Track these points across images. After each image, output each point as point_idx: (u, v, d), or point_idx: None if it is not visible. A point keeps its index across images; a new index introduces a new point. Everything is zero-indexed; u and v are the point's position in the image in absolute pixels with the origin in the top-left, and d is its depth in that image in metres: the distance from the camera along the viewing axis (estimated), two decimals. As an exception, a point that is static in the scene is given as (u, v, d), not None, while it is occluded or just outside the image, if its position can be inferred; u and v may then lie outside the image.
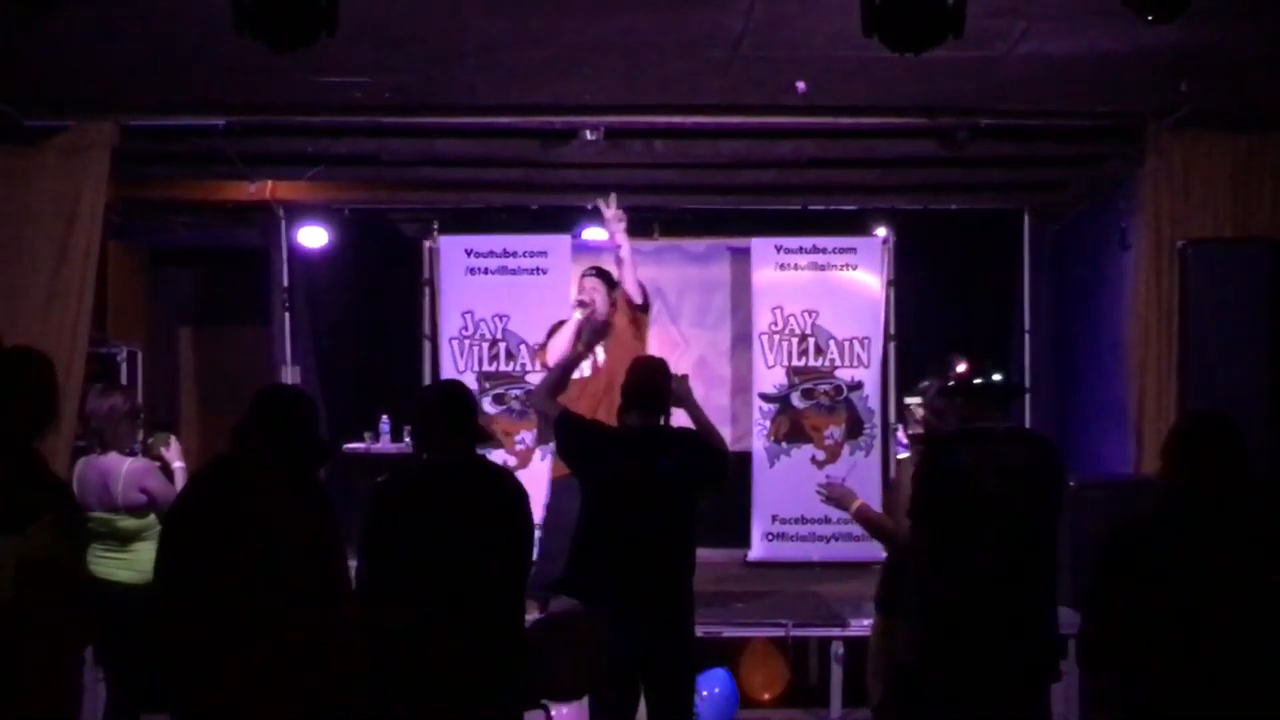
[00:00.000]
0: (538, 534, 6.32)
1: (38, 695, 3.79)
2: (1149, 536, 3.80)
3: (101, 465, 5.77)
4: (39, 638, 3.77)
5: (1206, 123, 7.86)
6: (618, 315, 7.66)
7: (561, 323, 7.69)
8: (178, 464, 6.04)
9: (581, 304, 7.57)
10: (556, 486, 7.47)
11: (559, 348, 7.54)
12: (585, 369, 7.62)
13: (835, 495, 5.64)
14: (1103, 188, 9.33)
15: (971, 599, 4.70)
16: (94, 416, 5.88)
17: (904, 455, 7.05)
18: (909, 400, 6.71)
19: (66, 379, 7.44)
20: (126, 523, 5.72)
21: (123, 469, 5.74)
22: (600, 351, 7.64)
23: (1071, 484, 7.63)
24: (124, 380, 8.90)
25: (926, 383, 5.87)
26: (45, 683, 3.83)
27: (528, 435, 9.47)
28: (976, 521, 4.71)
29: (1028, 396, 10.25)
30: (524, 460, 9.46)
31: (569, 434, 5.51)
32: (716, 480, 5.40)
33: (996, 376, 5.25)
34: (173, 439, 6.18)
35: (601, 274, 7.81)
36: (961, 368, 5.31)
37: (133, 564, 5.64)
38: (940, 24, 5.26)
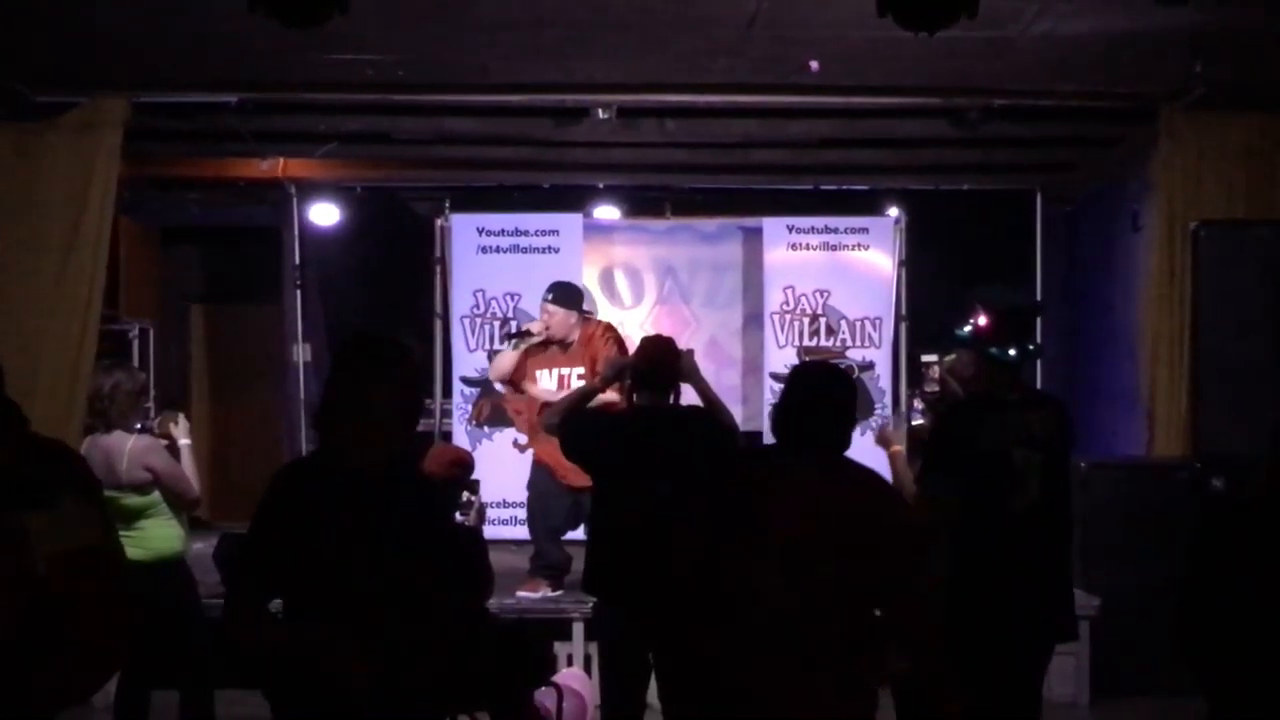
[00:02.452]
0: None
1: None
2: (1243, 519, 3.66)
3: (105, 444, 5.74)
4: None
5: (1220, 104, 7.82)
6: (594, 345, 7.30)
7: (524, 332, 7.53)
8: (184, 441, 6.01)
9: (525, 334, 7.46)
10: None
11: (500, 370, 7.62)
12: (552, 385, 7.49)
13: (885, 434, 5.54)
14: (1115, 169, 9.31)
15: (1000, 574, 4.56)
16: (97, 395, 5.84)
17: (920, 423, 6.81)
18: (926, 359, 6.29)
19: (79, 356, 7.47)
20: (131, 500, 5.70)
21: (126, 446, 5.71)
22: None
23: (1082, 465, 7.63)
24: (135, 357, 8.92)
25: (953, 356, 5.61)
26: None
27: (538, 414, 9.47)
28: (1004, 494, 4.55)
29: (1038, 375, 10.24)
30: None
31: (575, 434, 5.40)
32: None
33: (1016, 349, 4.76)
34: (181, 417, 6.16)
35: (560, 296, 7.41)
36: (983, 321, 4.78)
37: (141, 541, 5.62)
38: (954, 4, 5.25)
